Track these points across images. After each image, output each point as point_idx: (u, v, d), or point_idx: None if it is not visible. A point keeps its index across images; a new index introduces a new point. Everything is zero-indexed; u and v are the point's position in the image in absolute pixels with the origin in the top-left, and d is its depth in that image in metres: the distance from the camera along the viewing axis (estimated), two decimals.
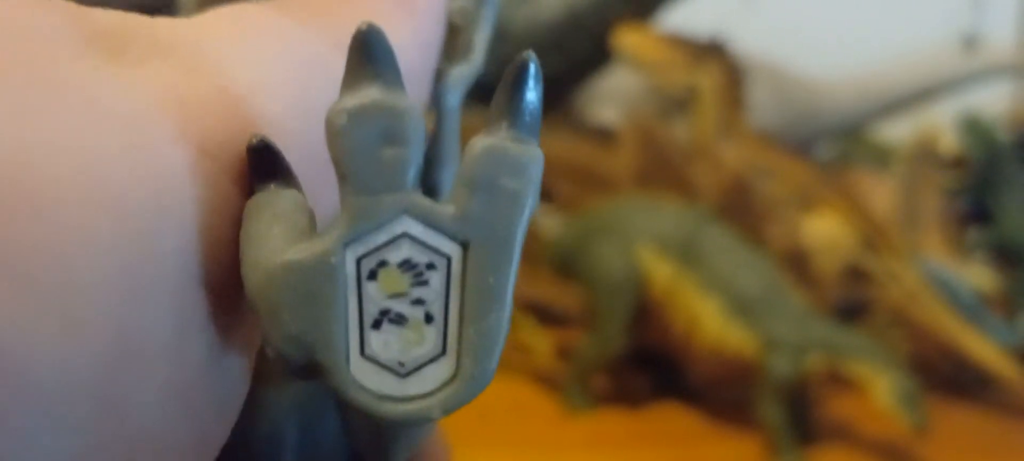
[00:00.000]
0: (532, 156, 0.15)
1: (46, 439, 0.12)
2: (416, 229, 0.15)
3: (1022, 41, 0.90)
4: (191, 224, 0.14)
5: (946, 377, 0.58)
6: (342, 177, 0.14)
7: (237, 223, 0.15)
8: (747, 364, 0.51)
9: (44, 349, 0.12)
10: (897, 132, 0.85)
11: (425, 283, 0.15)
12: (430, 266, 0.15)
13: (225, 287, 0.15)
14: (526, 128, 0.15)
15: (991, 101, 0.83)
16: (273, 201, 0.15)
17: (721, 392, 0.54)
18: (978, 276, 0.65)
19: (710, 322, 0.51)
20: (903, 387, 0.48)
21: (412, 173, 0.15)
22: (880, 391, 0.48)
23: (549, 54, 0.66)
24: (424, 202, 0.15)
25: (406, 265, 0.15)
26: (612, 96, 0.76)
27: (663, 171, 0.59)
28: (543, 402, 0.54)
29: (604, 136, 0.66)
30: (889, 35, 0.88)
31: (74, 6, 0.15)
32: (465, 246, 0.15)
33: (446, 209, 0.15)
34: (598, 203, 0.58)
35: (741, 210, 0.57)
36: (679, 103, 0.63)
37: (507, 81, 0.15)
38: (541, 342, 0.57)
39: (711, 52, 0.63)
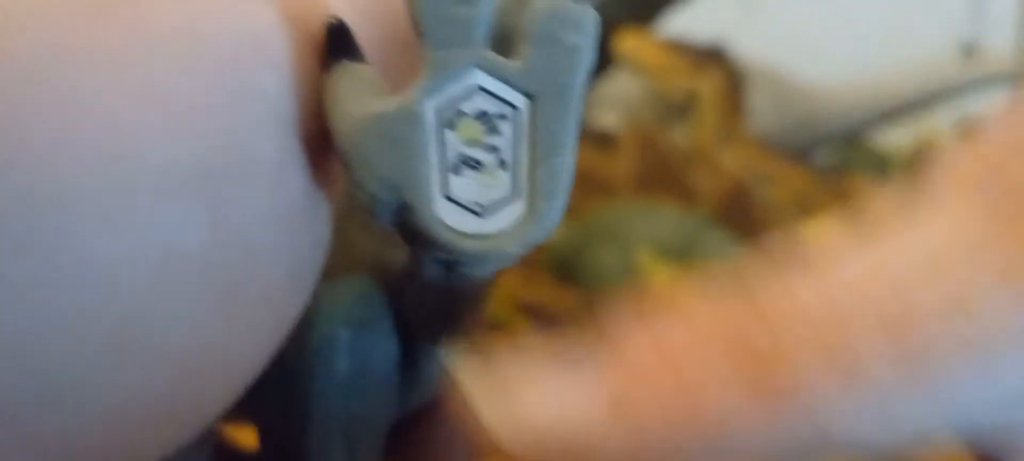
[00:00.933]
0: (588, 13, 0.17)
1: (167, 220, 0.14)
2: (487, 82, 0.16)
3: (1021, 49, 0.91)
4: (286, 76, 0.16)
5: None
6: (419, 34, 0.16)
7: (316, 88, 0.17)
8: None
9: (155, 139, 0.14)
10: (897, 139, 0.85)
11: (498, 132, 0.16)
12: (501, 116, 0.16)
13: (313, 140, 0.17)
14: None
15: (990, 109, 0.83)
16: (353, 69, 0.17)
17: None
18: None
19: None
20: None
21: (482, 31, 0.16)
22: None
23: None
24: (493, 57, 0.16)
25: (480, 115, 0.16)
26: (612, 101, 0.76)
27: (663, 176, 0.59)
28: None
29: (604, 141, 0.66)
30: (889, 42, 0.88)
31: None
32: (531, 97, 0.16)
33: (513, 63, 0.16)
34: (597, 207, 0.58)
35: (740, 216, 0.57)
36: (679, 109, 0.64)
37: None
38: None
39: (711, 58, 0.63)
